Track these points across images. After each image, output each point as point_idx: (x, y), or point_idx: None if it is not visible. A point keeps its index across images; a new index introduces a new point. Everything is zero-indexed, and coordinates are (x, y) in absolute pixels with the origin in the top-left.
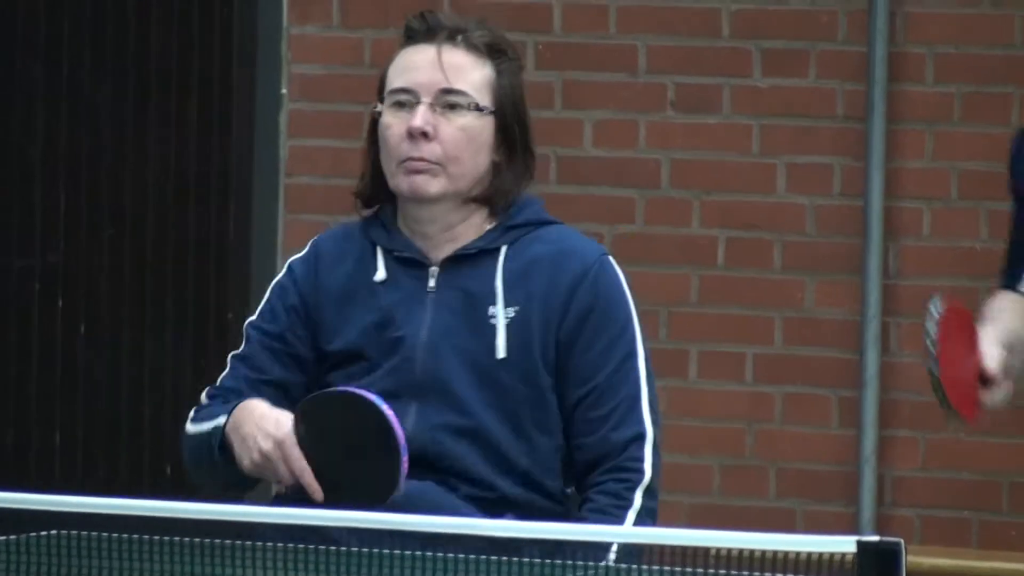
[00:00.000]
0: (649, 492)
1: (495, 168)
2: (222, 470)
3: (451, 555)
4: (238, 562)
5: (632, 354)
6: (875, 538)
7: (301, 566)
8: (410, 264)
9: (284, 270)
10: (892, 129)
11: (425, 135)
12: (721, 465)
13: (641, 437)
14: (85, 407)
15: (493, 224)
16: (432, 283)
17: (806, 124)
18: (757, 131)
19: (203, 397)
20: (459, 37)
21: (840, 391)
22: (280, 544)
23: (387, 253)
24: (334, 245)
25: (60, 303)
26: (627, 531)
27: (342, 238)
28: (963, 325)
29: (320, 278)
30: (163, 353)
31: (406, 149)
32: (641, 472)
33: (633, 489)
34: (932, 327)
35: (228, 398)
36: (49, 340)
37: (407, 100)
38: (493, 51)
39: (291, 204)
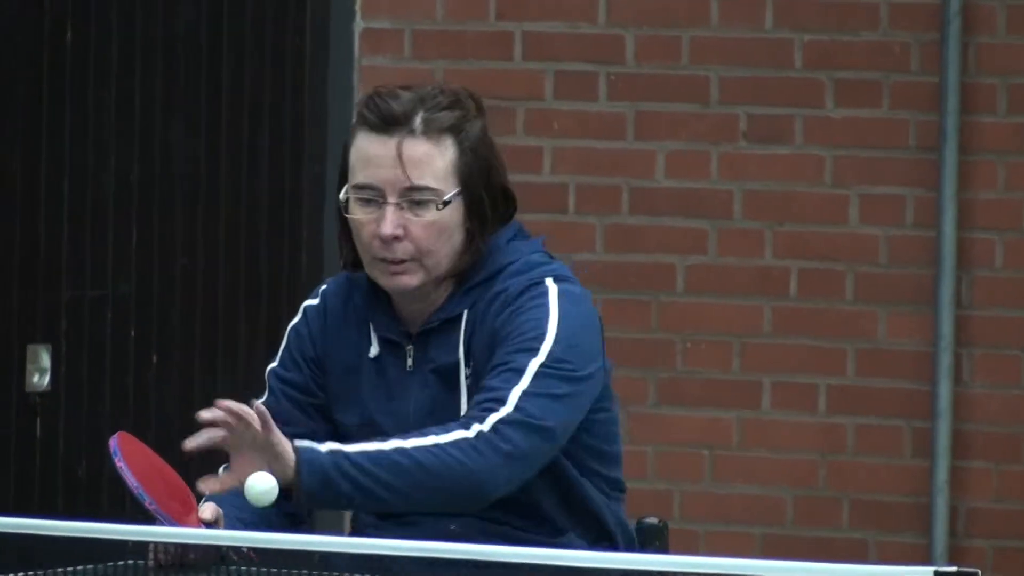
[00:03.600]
0: (482, 439)
1: (468, 236)
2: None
3: None
4: None
5: (531, 351)
6: (952, 568)
7: None
8: (392, 343)
9: (300, 314)
10: (965, 160)
11: (396, 238)
12: (794, 496)
13: (501, 400)
14: (157, 438)
15: (454, 287)
16: (410, 362)
17: (879, 155)
18: (829, 162)
19: None
20: (418, 125)
21: (913, 422)
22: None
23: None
24: (339, 307)
25: (132, 333)
26: (696, 561)
27: (345, 300)
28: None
29: (328, 341)
30: (235, 384)
31: (378, 248)
32: (482, 420)
33: (469, 423)
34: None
35: None
36: (121, 370)
37: (373, 197)
38: (455, 129)
39: None
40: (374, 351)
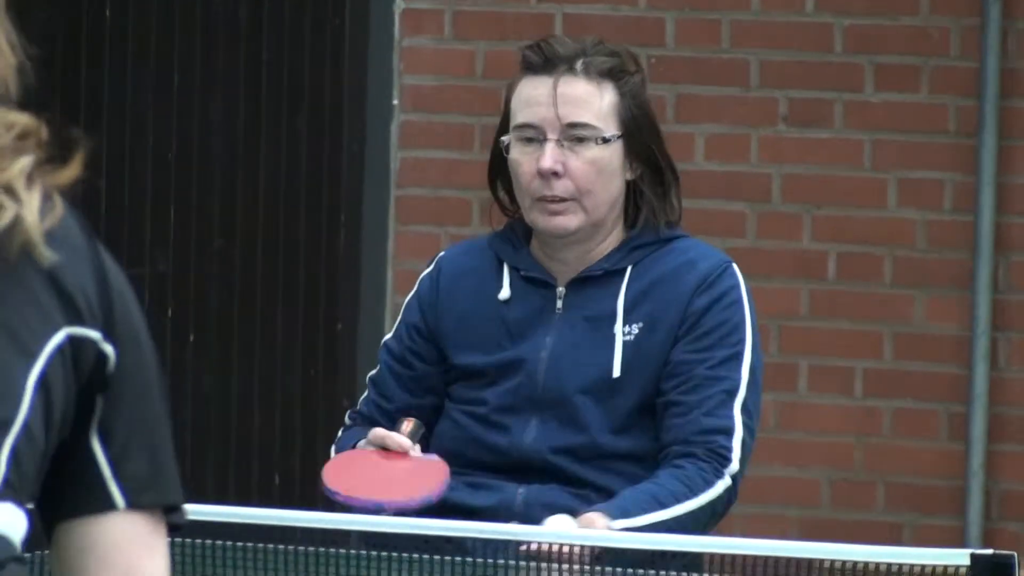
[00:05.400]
0: (735, 480)
1: (633, 187)
2: None
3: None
4: (363, 571)
5: (738, 356)
6: (988, 551)
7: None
8: (537, 283)
9: (415, 287)
10: (1004, 145)
11: (556, 174)
12: (830, 479)
13: (730, 431)
14: (194, 417)
15: (619, 242)
16: (560, 304)
17: (918, 140)
18: (868, 146)
19: (346, 419)
20: (578, 66)
21: (949, 406)
22: (407, 554)
23: (513, 271)
24: (457, 261)
25: (169, 312)
26: (744, 543)
27: (466, 254)
28: None
29: (441, 295)
30: (272, 363)
31: (538, 187)
32: (729, 460)
33: (723, 469)
34: None
35: (362, 423)
36: (158, 349)
37: (534, 136)
38: (614, 73)
39: (402, 215)
40: (504, 294)
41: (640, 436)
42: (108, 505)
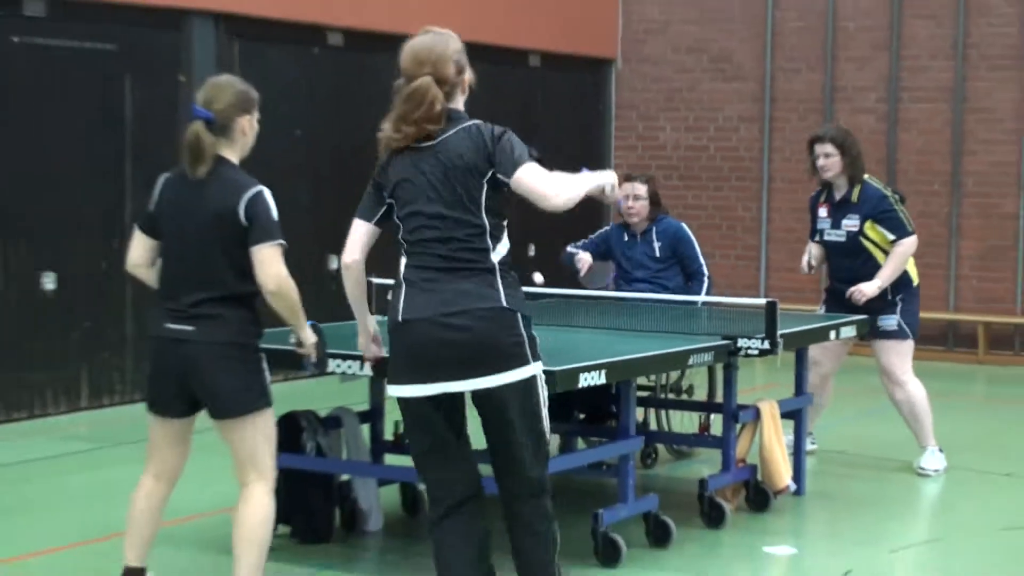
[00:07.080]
0: (709, 281)
1: (652, 210)
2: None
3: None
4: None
5: (696, 253)
6: (772, 299)
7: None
8: (631, 235)
9: (601, 232)
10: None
11: (631, 208)
12: (730, 282)
13: (704, 273)
14: None
15: (649, 223)
16: (638, 240)
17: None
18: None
19: (570, 247)
20: (639, 179)
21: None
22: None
23: (627, 231)
24: (615, 232)
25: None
26: (688, 298)
27: (617, 229)
28: None
29: (610, 241)
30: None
31: (627, 210)
32: (704, 274)
33: (703, 279)
34: None
35: (576, 251)
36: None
37: (627, 195)
38: (648, 181)
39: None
40: (626, 238)
41: (667, 279)
42: None
